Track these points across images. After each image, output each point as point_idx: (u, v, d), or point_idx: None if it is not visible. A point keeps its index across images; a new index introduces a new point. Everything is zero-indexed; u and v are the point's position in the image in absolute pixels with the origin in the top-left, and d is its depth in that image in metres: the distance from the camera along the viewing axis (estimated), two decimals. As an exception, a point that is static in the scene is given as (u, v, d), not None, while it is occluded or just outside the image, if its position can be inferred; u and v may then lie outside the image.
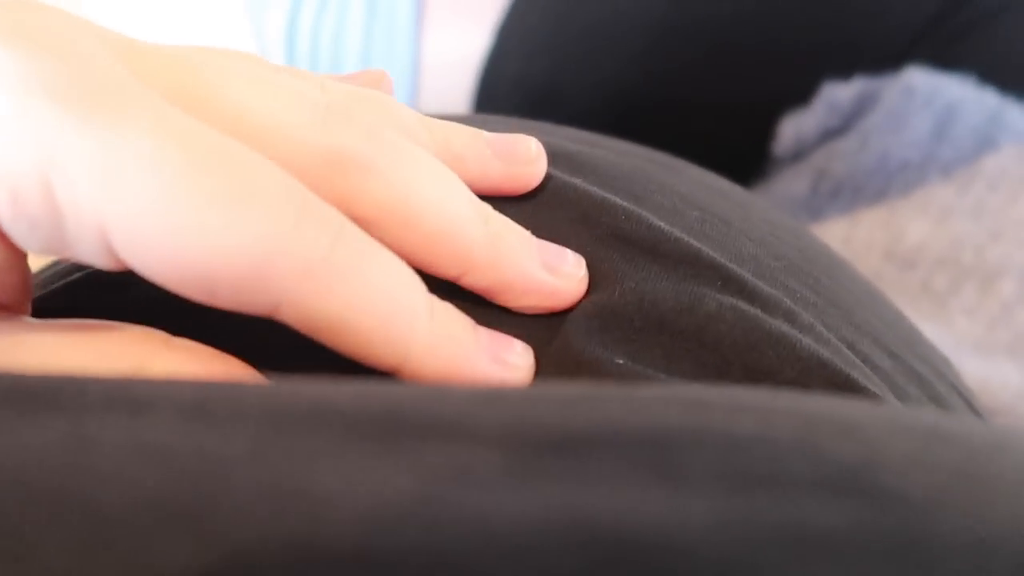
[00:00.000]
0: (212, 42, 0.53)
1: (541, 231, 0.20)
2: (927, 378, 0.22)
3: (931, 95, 0.42)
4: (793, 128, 0.45)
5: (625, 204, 0.21)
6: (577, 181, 0.22)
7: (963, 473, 0.13)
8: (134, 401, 0.13)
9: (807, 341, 0.19)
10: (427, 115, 0.22)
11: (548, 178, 0.22)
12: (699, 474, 0.12)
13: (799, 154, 0.46)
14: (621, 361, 0.18)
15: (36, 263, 0.20)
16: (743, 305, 0.19)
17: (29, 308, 0.18)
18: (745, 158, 0.48)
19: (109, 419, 0.12)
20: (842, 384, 0.19)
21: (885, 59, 0.44)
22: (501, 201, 0.21)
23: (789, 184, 0.45)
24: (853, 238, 0.43)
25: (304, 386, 0.14)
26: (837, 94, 0.44)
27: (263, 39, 0.52)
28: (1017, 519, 0.12)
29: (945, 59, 0.43)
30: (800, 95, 0.45)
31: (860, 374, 0.19)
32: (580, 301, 0.20)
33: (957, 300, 0.41)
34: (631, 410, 0.13)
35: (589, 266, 0.20)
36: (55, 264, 0.23)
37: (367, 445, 0.12)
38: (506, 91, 0.49)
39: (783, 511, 0.11)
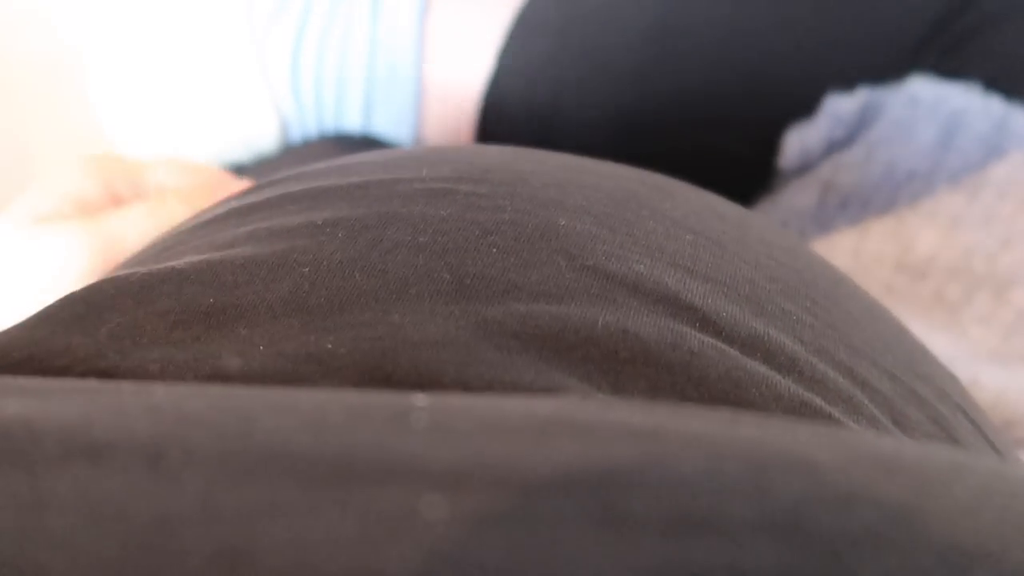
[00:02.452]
0: (217, 73, 0.54)
1: (519, 262, 0.20)
2: (928, 399, 0.22)
3: (936, 104, 0.42)
4: (798, 141, 0.45)
5: (608, 245, 0.21)
6: (562, 221, 0.22)
7: (906, 507, 0.12)
8: (91, 447, 0.13)
9: (787, 382, 0.19)
10: (431, 145, 0.22)
11: (530, 217, 0.22)
12: (643, 516, 0.12)
13: (805, 167, 0.45)
14: (601, 395, 0.18)
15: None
16: (722, 345, 0.19)
17: None
18: (750, 172, 0.47)
19: (66, 472, 0.12)
20: (823, 420, 0.19)
21: (888, 68, 0.44)
22: (478, 236, 0.21)
23: (796, 197, 0.45)
24: (863, 250, 0.43)
25: (262, 417, 0.14)
26: (841, 106, 0.44)
27: (267, 71, 0.53)
28: (951, 552, 0.12)
29: (949, 67, 0.43)
30: (803, 107, 0.45)
31: (845, 409, 0.19)
32: (555, 332, 0.19)
33: (970, 310, 0.41)
34: (582, 446, 0.13)
35: (566, 296, 0.20)
36: None
37: (317, 493, 0.12)
38: (510, 114, 0.49)
39: (723, 555, 0.11)
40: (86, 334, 0.20)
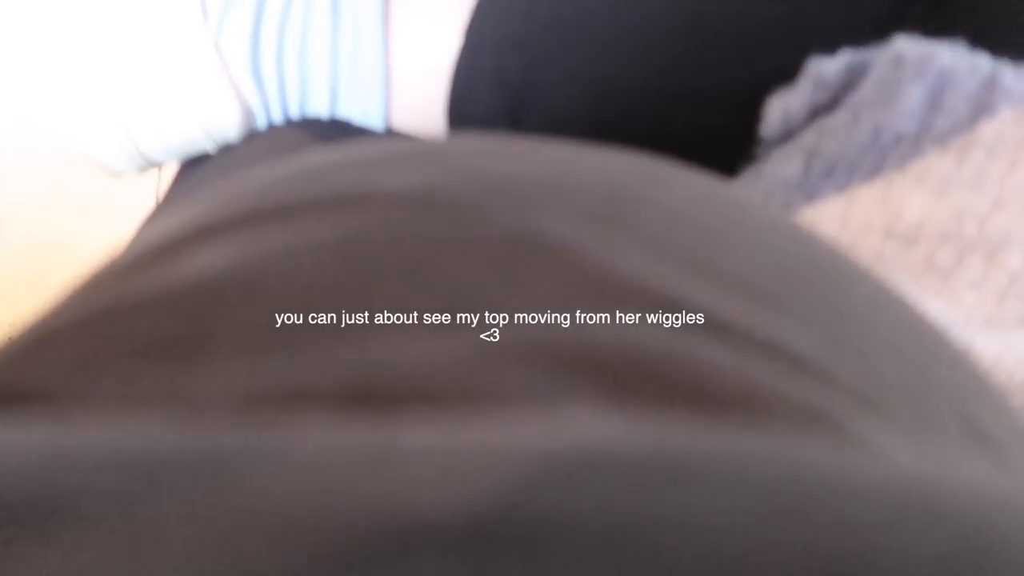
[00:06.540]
0: (171, 61, 0.52)
1: (510, 276, 0.19)
2: (953, 392, 0.21)
3: (922, 63, 0.41)
4: (780, 107, 0.44)
5: (603, 247, 0.20)
6: (553, 225, 0.20)
7: (960, 571, 0.11)
8: None
9: (803, 387, 0.18)
10: (402, 131, 0.21)
11: (518, 224, 0.21)
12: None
13: (788, 134, 0.44)
14: (606, 414, 0.17)
15: None
16: (731, 350, 0.18)
17: None
18: (732, 143, 0.46)
19: None
20: (836, 435, 0.17)
21: (870, 28, 0.43)
22: (464, 251, 0.20)
23: (780, 166, 0.44)
24: (850, 218, 0.42)
25: (231, 474, 0.12)
26: (823, 69, 0.43)
27: (225, 57, 0.50)
28: None
29: (933, 24, 0.42)
30: (784, 73, 0.44)
31: (857, 416, 0.18)
32: (552, 349, 0.18)
33: (962, 275, 0.40)
34: (585, 488, 0.12)
35: (562, 308, 0.18)
36: None
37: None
38: (482, 93, 0.47)
39: None
40: (31, 368, 0.18)
